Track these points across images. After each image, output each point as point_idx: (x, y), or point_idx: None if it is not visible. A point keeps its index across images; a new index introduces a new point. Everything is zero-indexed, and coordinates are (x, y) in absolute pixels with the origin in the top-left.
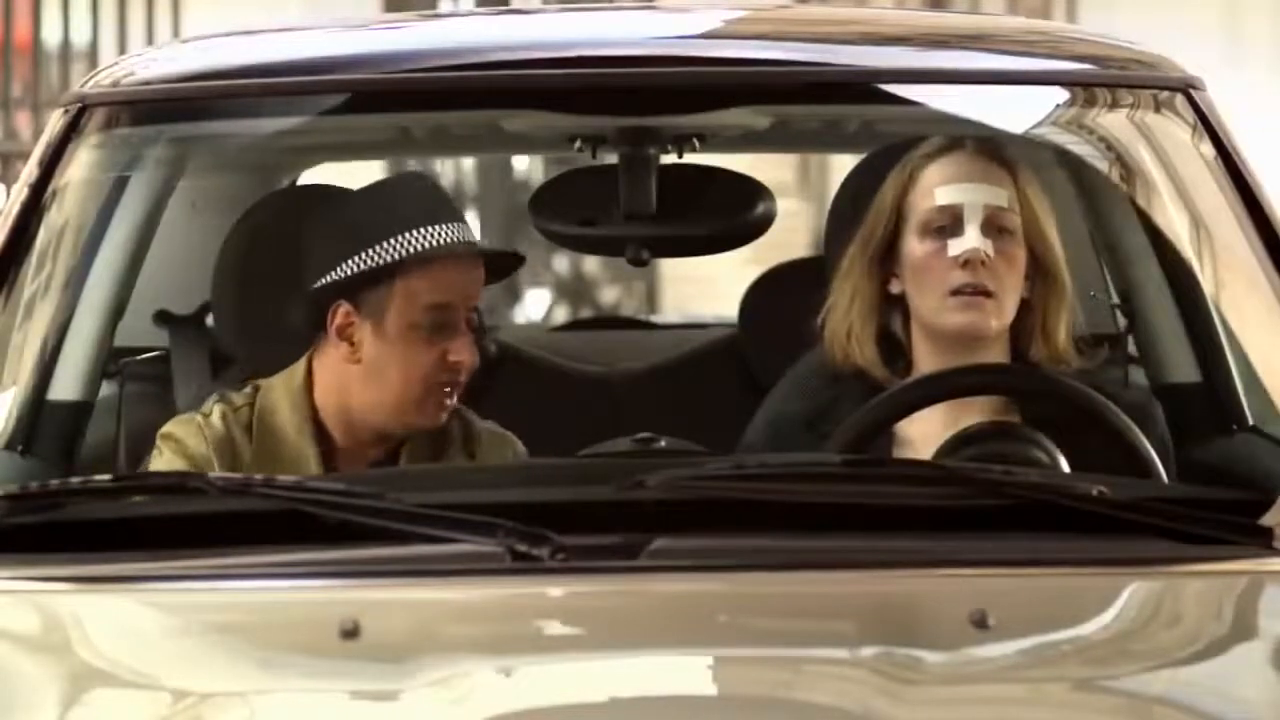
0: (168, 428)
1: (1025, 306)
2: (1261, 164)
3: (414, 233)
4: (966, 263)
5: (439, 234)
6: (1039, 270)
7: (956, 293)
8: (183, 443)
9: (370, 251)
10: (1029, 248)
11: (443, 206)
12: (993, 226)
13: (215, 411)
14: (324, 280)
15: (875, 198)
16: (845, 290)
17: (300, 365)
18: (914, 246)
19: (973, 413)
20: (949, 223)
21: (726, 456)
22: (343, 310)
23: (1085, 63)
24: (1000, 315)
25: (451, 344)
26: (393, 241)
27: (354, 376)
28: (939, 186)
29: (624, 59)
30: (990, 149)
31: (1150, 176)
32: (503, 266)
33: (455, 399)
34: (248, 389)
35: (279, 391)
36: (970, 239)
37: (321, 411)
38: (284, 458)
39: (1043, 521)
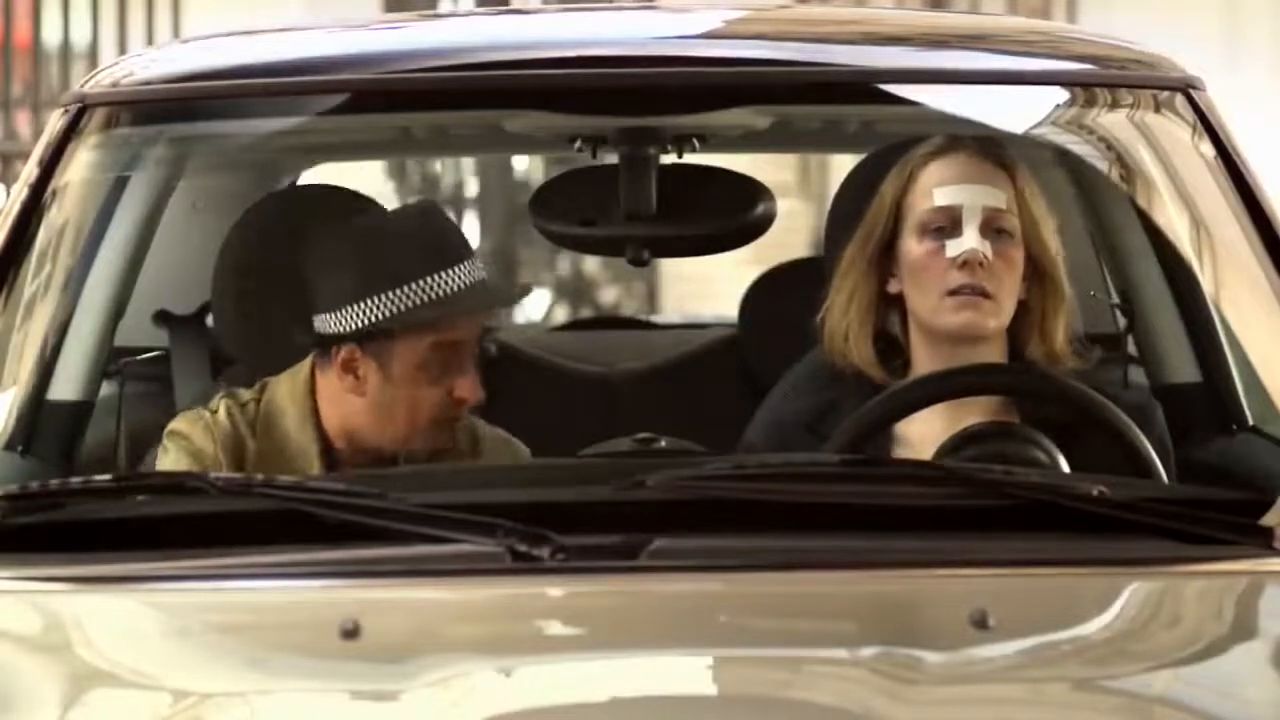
0: (175, 424)
1: (1023, 307)
2: (1261, 165)
3: (420, 283)
4: (965, 264)
5: (446, 283)
6: (1036, 271)
7: (954, 293)
8: (190, 439)
9: (376, 300)
10: (1026, 249)
11: (449, 246)
12: (991, 228)
13: (222, 408)
14: (329, 323)
15: (874, 197)
16: (844, 289)
17: (305, 367)
18: (912, 246)
19: (973, 413)
20: (947, 223)
21: (726, 456)
22: (347, 348)
23: (1085, 63)
24: (998, 316)
25: (458, 381)
26: (399, 292)
27: (360, 408)
28: (938, 187)
29: (624, 59)
30: (989, 150)
31: (1150, 176)
32: (511, 300)
33: (458, 423)
34: (255, 387)
35: (284, 391)
36: (968, 240)
37: (324, 419)
38: (289, 457)
39: (1043, 521)
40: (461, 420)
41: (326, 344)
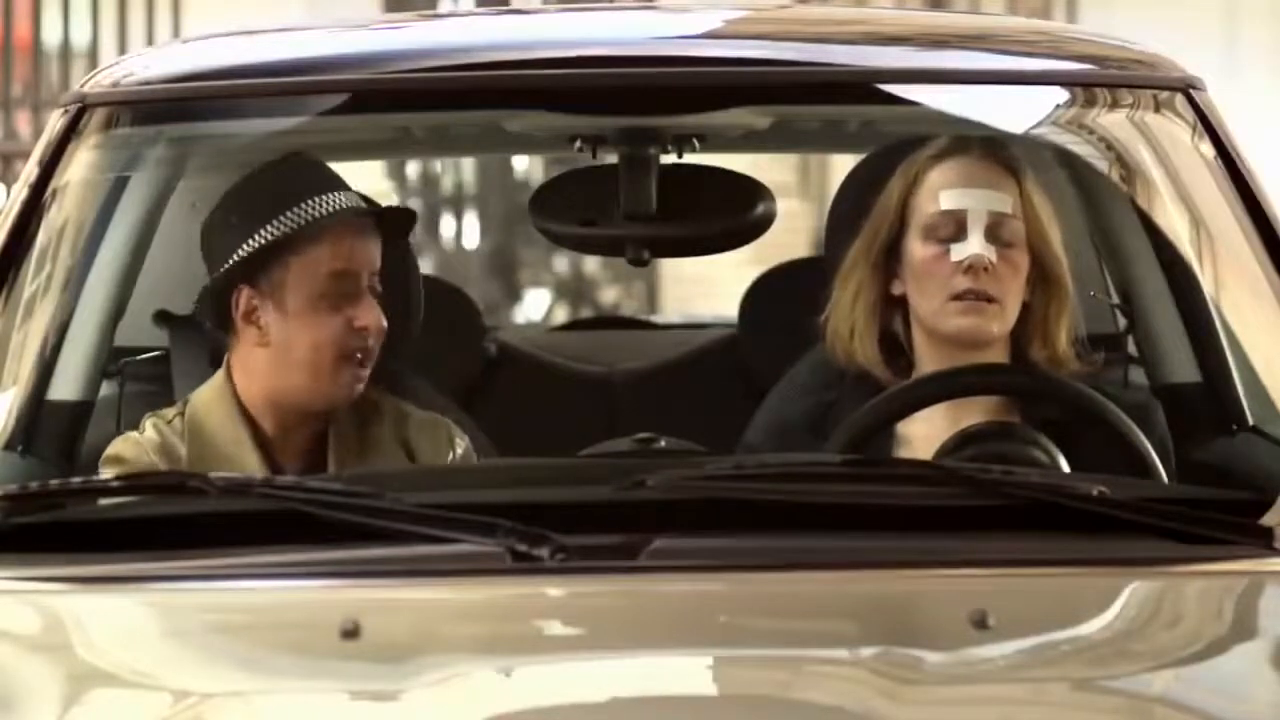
0: (111, 450)
1: (1026, 309)
2: (1261, 165)
3: (302, 205)
4: (969, 268)
5: (327, 202)
6: (1040, 274)
7: (958, 298)
8: (125, 460)
9: (261, 231)
10: (1031, 252)
11: (328, 179)
12: (996, 232)
13: (148, 426)
14: (222, 276)
15: (880, 197)
16: (848, 289)
17: (223, 365)
18: (916, 249)
19: (974, 413)
20: (952, 228)
21: (726, 456)
22: (245, 295)
23: (1085, 63)
24: (1001, 320)
25: (355, 310)
26: (282, 217)
27: (266, 360)
28: (943, 190)
29: (624, 59)
30: (995, 152)
31: (1150, 176)
32: (398, 227)
33: (368, 367)
34: (177, 404)
35: (205, 395)
36: (973, 245)
37: (246, 403)
38: (220, 454)
39: (1043, 521)
40: (370, 352)
41: (227, 297)
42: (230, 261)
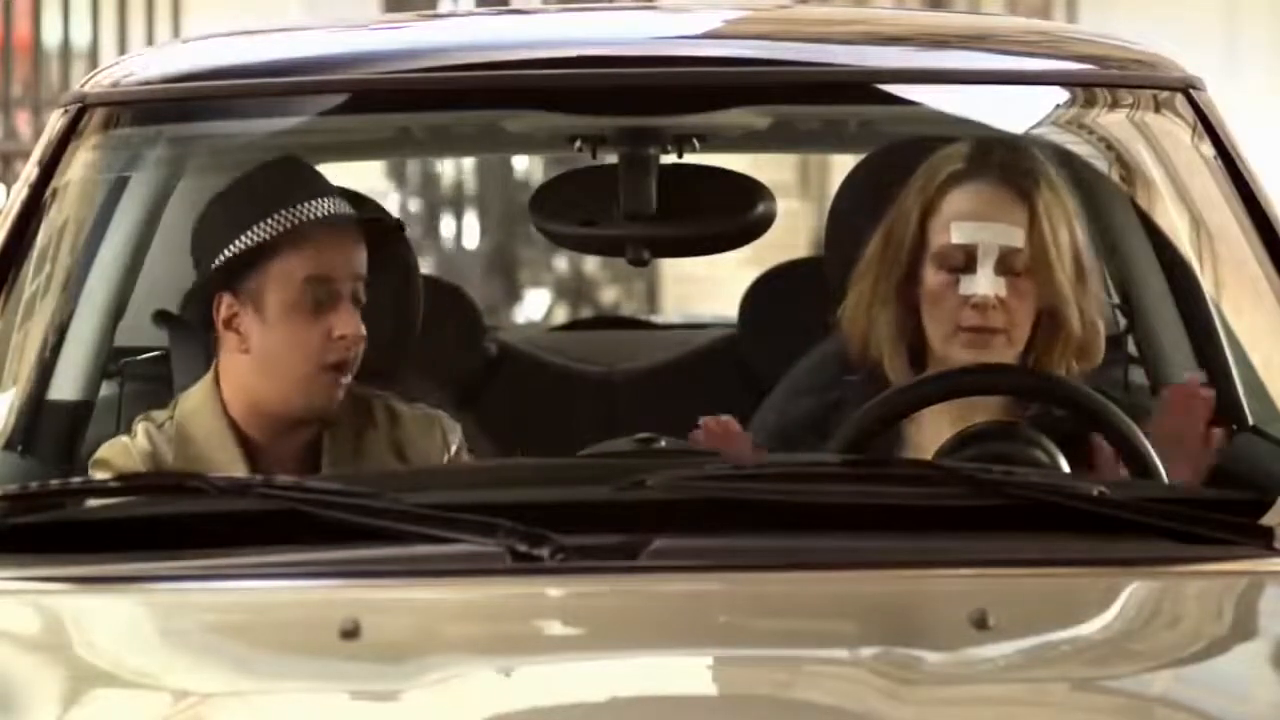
0: (99, 454)
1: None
2: (1261, 165)
3: (281, 211)
4: (976, 305)
5: (307, 208)
6: (1042, 304)
7: (966, 329)
8: (113, 465)
9: (242, 237)
10: (1034, 279)
11: (312, 183)
12: (1007, 263)
13: (140, 431)
14: (204, 282)
15: (899, 200)
16: (865, 288)
17: (211, 369)
18: (930, 274)
19: (980, 415)
20: (962, 259)
21: (726, 456)
22: (225, 302)
23: (1085, 63)
24: (1009, 346)
25: (334, 318)
26: (261, 223)
27: (247, 368)
28: (956, 221)
29: (624, 59)
30: (1012, 179)
31: (1150, 176)
32: (385, 234)
33: (349, 375)
34: (169, 406)
35: (195, 398)
36: (981, 283)
37: (232, 410)
38: (207, 461)
39: (1043, 521)
40: (350, 363)
41: (209, 304)
42: (212, 267)
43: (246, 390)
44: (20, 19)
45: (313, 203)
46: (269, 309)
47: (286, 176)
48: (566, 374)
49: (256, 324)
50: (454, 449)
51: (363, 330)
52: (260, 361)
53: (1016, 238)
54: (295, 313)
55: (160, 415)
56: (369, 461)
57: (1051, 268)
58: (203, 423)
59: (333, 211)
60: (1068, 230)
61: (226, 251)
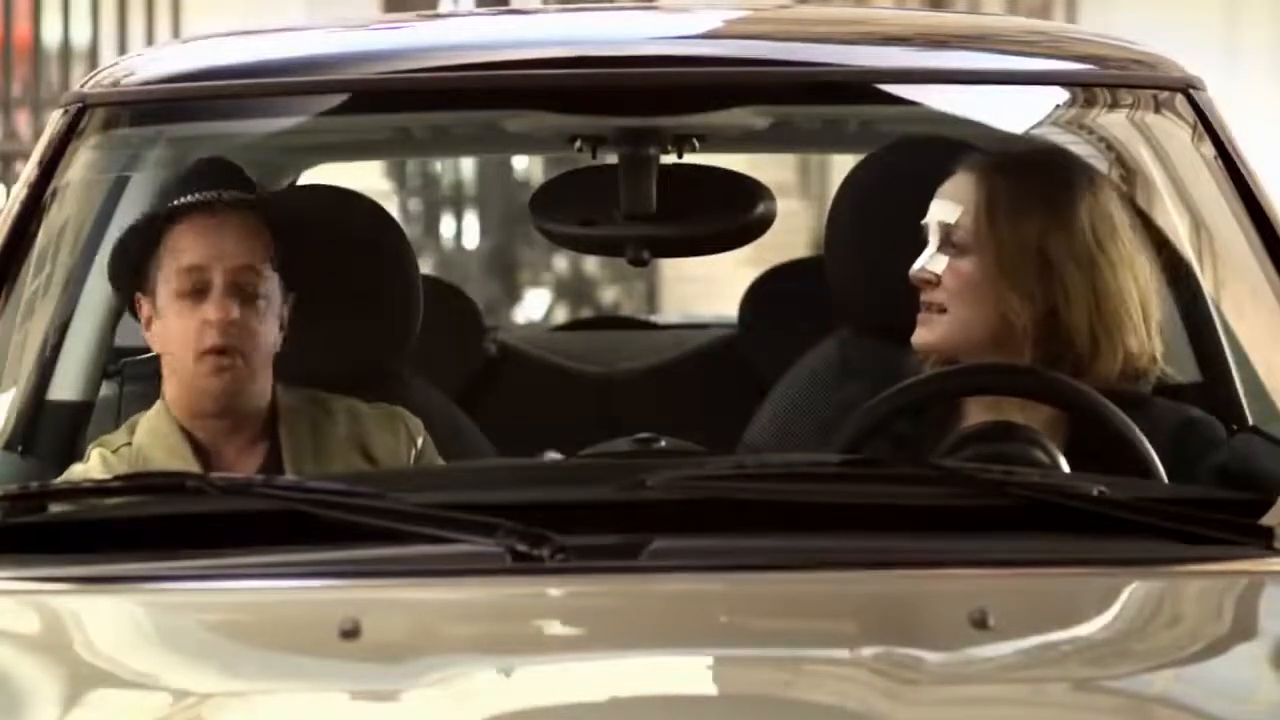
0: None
1: (1052, 323)
2: (1261, 165)
3: (167, 206)
4: (917, 279)
5: (184, 201)
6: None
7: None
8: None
9: (142, 235)
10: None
11: (223, 178)
12: (948, 241)
13: (94, 456)
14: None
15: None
16: None
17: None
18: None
19: (984, 416)
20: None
21: (726, 456)
22: (142, 303)
23: (1085, 63)
24: (950, 328)
25: (207, 305)
26: (153, 219)
27: (164, 367)
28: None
29: (624, 59)
30: (982, 163)
31: (1150, 176)
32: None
33: (234, 362)
34: (124, 428)
35: (148, 415)
36: (922, 258)
37: (177, 416)
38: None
39: (1043, 521)
40: (234, 350)
41: (134, 311)
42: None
43: (179, 399)
44: (20, 19)
45: (201, 194)
46: (161, 303)
47: (203, 174)
48: (566, 374)
49: (157, 319)
50: (419, 444)
51: (234, 315)
52: (166, 359)
53: (952, 213)
54: (179, 304)
55: (115, 440)
56: (331, 459)
57: (987, 252)
58: (156, 435)
59: (209, 198)
60: (1036, 225)
61: (137, 250)
